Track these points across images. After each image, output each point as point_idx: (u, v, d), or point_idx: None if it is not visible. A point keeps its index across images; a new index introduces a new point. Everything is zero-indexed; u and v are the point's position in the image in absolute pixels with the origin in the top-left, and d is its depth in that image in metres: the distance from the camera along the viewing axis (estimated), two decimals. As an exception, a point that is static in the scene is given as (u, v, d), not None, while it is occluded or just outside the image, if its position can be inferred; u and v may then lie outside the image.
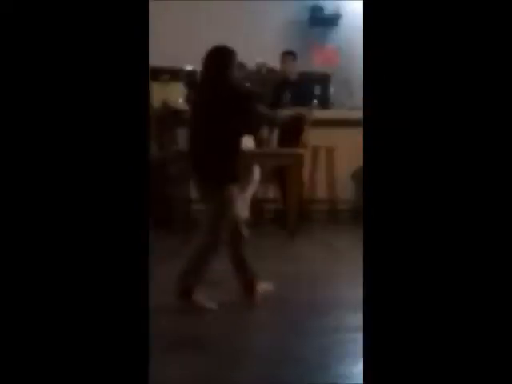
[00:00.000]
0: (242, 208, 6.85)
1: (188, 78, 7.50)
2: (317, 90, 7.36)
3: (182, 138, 6.98)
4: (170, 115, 7.01)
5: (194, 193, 6.94)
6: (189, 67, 7.62)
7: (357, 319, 2.95)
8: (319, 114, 6.71)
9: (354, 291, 3.57)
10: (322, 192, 6.98)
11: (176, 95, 7.16)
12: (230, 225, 4.03)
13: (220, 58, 4.03)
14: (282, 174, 6.36)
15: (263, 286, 4.24)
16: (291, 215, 6.25)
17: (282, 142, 6.24)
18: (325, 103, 7.33)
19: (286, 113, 4.47)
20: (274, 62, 7.12)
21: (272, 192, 6.89)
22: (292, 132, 6.16)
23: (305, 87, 6.90)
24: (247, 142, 6.45)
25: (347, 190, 6.91)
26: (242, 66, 6.90)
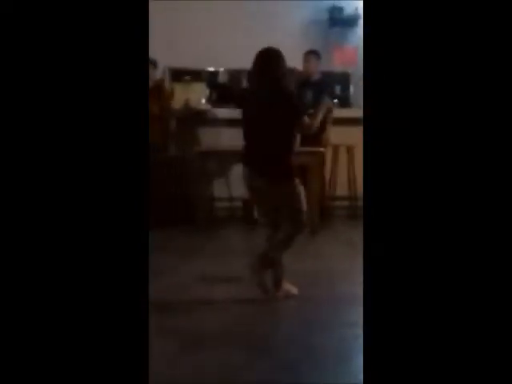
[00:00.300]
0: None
1: (210, 78, 7.61)
2: (337, 90, 7.42)
3: (203, 137, 7.10)
4: (192, 115, 7.10)
5: (217, 191, 7.05)
6: (210, 68, 7.72)
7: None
8: (339, 112, 6.76)
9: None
10: (342, 189, 7.04)
11: (198, 95, 7.25)
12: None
13: (271, 59, 4.11)
14: (304, 173, 6.40)
15: (288, 287, 4.35)
16: (313, 213, 6.30)
17: (304, 140, 6.30)
18: (345, 102, 7.39)
19: (319, 119, 4.58)
20: (294, 62, 7.15)
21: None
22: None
23: (326, 87, 6.94)
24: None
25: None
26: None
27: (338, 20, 8.35)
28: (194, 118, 7.02)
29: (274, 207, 4.29)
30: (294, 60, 7.03)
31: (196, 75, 7.49)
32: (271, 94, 4.07)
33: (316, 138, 6.34)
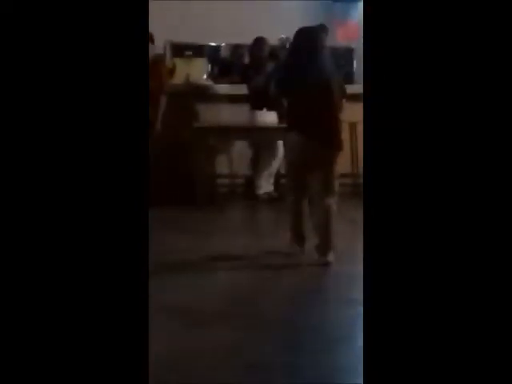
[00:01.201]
0: (267, 182, 6.93)
1: (211, 53, 7.54)
2: (341, 66, 7.34)
3: (204, 113, 7.01)
4: (193, 91, 7.02)
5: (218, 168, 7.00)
6: (212, 43, 7.65)
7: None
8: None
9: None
10: (345, 166, 6.98)
11: (199, 71, 7.18)
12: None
13: (313, 38, 4.68)
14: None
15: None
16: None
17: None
18: (349, 78, 7.31)
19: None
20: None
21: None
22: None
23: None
24: (270, 117, 6.48)
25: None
26: (264, 41, 6.91)
27: (341, -5, 8.30)
28: (195, 94, 6.95)
29: (311, 173, 4.62)
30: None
31: (197, 50, 7.40)
32: (313, 69, 4.55)
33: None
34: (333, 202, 4.65)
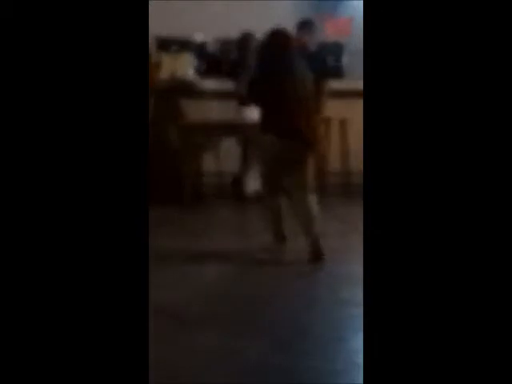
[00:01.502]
0: (254, 181, 6.82)
1: (198, 48, 7.42)
2: (330, 61, 7.23)
3: (191, 110, 6.90)
4: (179, 87, 6.91)
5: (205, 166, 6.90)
6: (199, 38, 7.53)
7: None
8: (332, 84, 6.58)
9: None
10: (335, 164, 6.88)
11: (185, 66, 7.06)
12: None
13: (281, 40, 4.79)
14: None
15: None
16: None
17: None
18: (338, 74, 7.20)
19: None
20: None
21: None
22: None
23: (320, 58, 6.75)
24: (258, 114, 6.37)
25: (361, 162, 6.79)
26: (251, 36, 6.79)
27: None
28: (181, 90, 6.83)
29: (285, 173, 4.71)
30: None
31: (184, 45, 7.28)
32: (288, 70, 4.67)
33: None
34: (313, 198, 4.71)
